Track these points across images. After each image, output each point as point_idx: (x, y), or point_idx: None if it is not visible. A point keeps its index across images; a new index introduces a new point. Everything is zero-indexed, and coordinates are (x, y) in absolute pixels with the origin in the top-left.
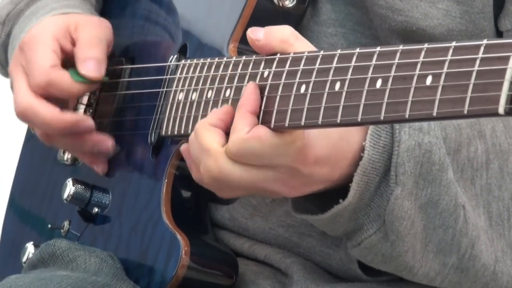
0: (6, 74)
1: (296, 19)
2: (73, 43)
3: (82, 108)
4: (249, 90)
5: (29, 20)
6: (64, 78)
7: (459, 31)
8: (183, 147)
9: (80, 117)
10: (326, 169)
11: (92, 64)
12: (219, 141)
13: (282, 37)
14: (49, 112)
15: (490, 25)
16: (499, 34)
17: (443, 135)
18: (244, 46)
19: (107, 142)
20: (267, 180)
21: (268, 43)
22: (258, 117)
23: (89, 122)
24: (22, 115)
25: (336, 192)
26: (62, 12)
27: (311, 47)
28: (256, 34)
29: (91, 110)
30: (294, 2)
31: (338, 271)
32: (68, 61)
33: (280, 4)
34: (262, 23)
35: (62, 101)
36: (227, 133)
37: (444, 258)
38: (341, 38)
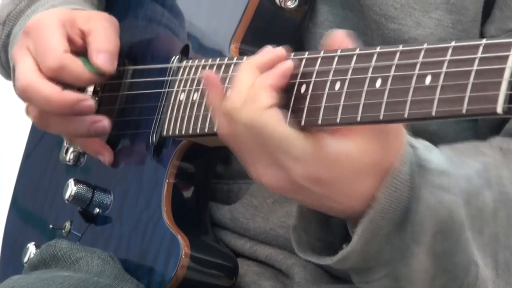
0: (7, 75)
1: (298, 20)
2: (82, 36)
3: None
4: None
5: (29, 19)
6: (77, 64)
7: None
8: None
9: (82, 96)
10: (322, 189)
11: (105, 56)
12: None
13: None
14: (50, 89)
15: (478, 33)
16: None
17: None
18: (245, 46)
19: (102, 121)
20: (260, 159)
21: None
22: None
23: (90, 102)
24: (23, 92)
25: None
26: (62, 7)
27: None
28: None
29: None
30: (296, 3)
31: (338, 272)
32: (75, 53)
33: (282, 5)
34: (264, 24)
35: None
36: None
37: None
38: None
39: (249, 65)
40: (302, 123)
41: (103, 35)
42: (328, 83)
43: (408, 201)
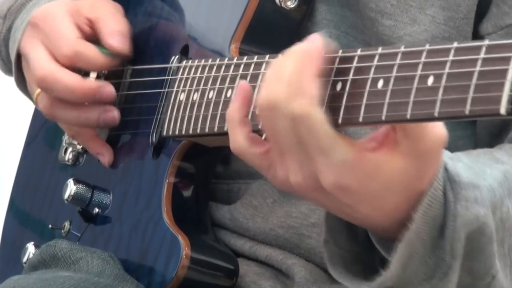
0: (7, 70)
1: (297, 20)
2: (89, 25)
3: None
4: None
5: (31, 12)
6: (91, 49)
7: (442, 38)
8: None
9: (102, 83)
10: (348, 199)
11: (118, 37)
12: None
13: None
14: (71, 77)
15: (471, 31)
16: (479, 38)
17: None
18: (245, 46)
19: (113, 111)
20: (289, 150)
21: None
22: None
23: (111, 87)
24: (43, 81)
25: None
26: None
27: None
28: None
29: None
30: (296, 2)
31: None
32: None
33: (282, 5)
34: (264, 24)
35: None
36: None
37: None
38: (335, 40)
39: (293, 53)
40: (340, 121)
41: (112, 19)
42: (330, 84)
43: (442, 218)
